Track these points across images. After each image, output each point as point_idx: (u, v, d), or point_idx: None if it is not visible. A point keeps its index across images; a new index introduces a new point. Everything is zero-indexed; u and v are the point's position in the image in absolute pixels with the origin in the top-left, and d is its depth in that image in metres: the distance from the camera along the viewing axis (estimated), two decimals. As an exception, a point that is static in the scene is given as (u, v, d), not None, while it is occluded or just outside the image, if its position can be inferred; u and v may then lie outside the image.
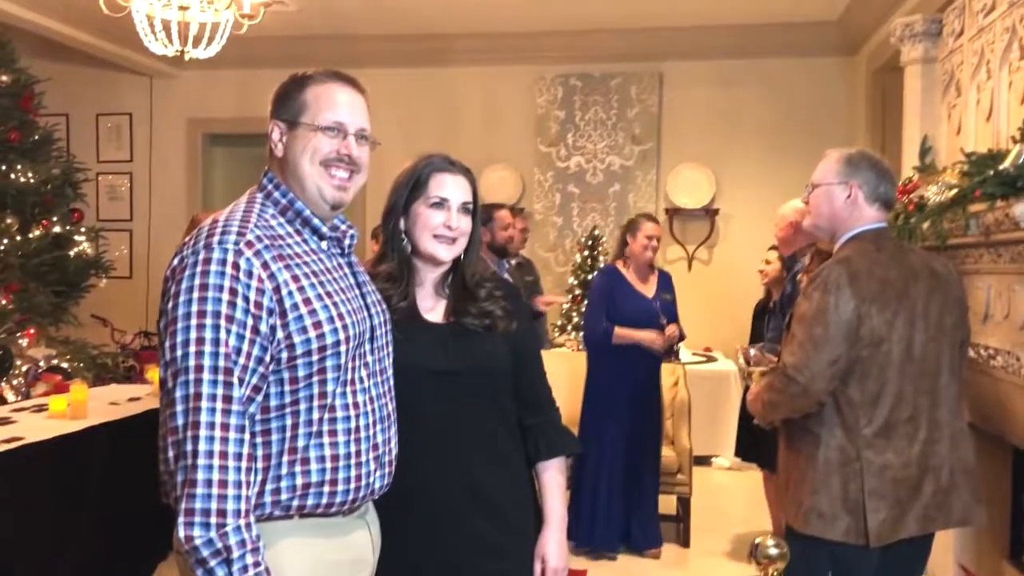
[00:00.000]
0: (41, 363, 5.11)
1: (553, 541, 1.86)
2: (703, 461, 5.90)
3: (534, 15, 6.58)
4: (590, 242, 6.84)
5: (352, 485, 1.54)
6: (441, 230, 1.81)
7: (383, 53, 7.14)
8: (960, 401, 2.31)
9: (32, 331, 5.25)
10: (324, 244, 1.61)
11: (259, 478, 1.47)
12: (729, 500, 5.40)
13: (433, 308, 1.86)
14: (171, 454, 1.39)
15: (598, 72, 7.20)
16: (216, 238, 1.46)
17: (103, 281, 5.92)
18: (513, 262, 5.03)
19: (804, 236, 3.30)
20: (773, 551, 1.84)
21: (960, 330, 2.30)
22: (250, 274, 1.44)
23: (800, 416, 2.24)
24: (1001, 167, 2.82)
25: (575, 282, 6.66)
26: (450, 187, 1.83)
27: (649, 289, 4.34)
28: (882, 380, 2.15)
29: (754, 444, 4.09)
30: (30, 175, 5.28)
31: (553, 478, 1.89)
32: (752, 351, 2.44)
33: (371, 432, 1.58)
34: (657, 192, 7.17)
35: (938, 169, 3.70)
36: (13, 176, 5.20)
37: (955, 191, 3.12)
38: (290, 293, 1.47)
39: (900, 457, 2.15)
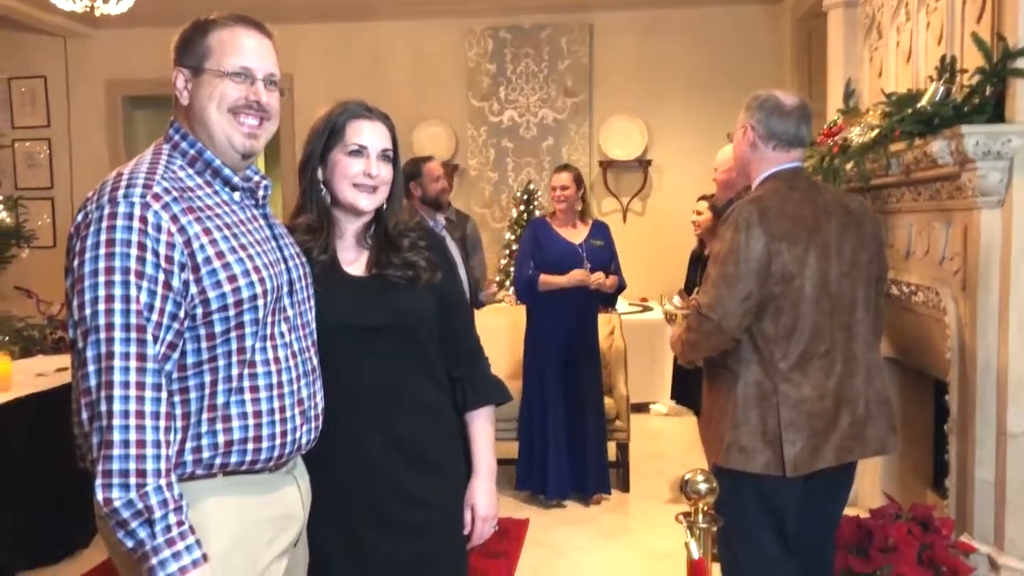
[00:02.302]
0: (-38, 338, 4.94)
1: (482, 489, 1.87)
2: (640, 408, 5.99)
3: (461, -34, 6.47)
4: (525, 196, 6.83)
5: (277, 441, 1.51)
6: (361, 178, 1.76)
7: (307, 8, 6.95)
8: (875, 335, 2.37)
9: (-49, 305, 5.07)
10: (236, 195, 1.56)
11: (178, 437, 1.43)
12: (667, 445, 5.50)
13: (355, 260, 1.81)
14: (85, 416, 1.35)
15: (528, 24, 7.13)
16: (121, 191, 1.40)
17: (25, 251, 5.73)
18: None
19: (743, 178, 3.34)
20: (702, 486, 1.88)
21: (875, 265, 2.33)
22: (159, 228, 1.39)
23: (719, 354, 2.27)
24: (918, 105, 2.88)
25: (512, 237, 6.65)
26: (368, 134, 1.78)
27: (576, 236, 4.40)
28: (796, 315, 2.19)
29: (687, 388, 4.18)
30: (-62, 143, 5.06)
31: (481, 427, 1.89)
32: (677, 298, 2.47)
33: (295, 387, 1.55)
34: (590, 144, 7.17)
35: (861, 111, 3.76)
36: (-81, 145, 4.99)
37: (876, 131, 3.17)
38: (202, 247, 1.43)
39: (817, 390, 2.20)
